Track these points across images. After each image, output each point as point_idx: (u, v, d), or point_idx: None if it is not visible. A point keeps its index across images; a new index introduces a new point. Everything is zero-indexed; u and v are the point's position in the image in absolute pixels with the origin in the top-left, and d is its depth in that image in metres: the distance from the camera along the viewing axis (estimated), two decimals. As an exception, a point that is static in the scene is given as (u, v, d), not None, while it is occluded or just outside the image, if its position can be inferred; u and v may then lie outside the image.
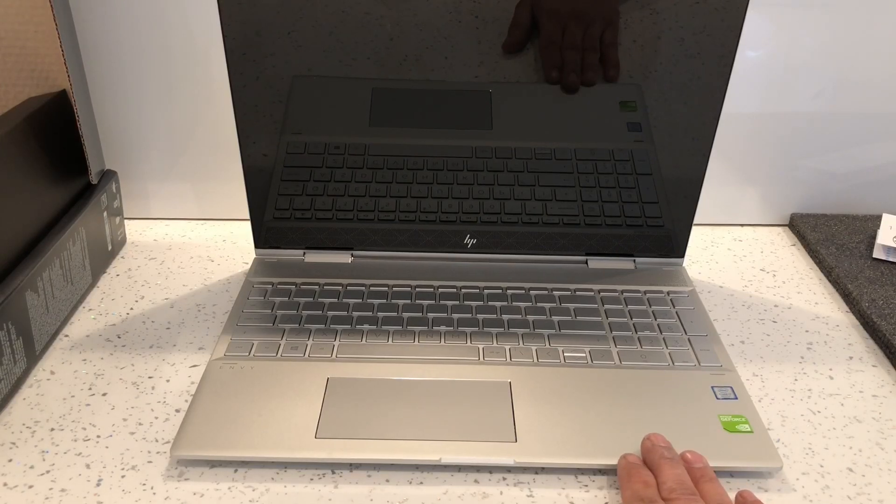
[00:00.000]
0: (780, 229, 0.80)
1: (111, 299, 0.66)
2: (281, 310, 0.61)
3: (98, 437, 0.51)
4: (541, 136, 0.63)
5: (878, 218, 0.75)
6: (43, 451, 0.50)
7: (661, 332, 0.60)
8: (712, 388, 0.54)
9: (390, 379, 0.54)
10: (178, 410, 0.54)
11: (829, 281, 0.70)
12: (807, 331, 0.64)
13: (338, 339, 0.58)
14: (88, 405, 0.54)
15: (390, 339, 0.58)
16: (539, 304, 0.62)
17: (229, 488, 0.47)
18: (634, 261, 0.68)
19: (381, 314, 0.61)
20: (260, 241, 0.67)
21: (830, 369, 0.59)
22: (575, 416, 0.51)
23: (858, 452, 0.51)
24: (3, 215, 0.55)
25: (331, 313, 0.61)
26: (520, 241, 0.67)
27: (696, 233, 0.77)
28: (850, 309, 0.66)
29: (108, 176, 0.71)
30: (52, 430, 0.52)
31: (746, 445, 0.50)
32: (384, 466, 0.49)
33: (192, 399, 0.52)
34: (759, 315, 0.66)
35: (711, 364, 0.57)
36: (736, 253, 0.75)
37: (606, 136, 0.62)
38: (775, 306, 0.67)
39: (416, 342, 0.58)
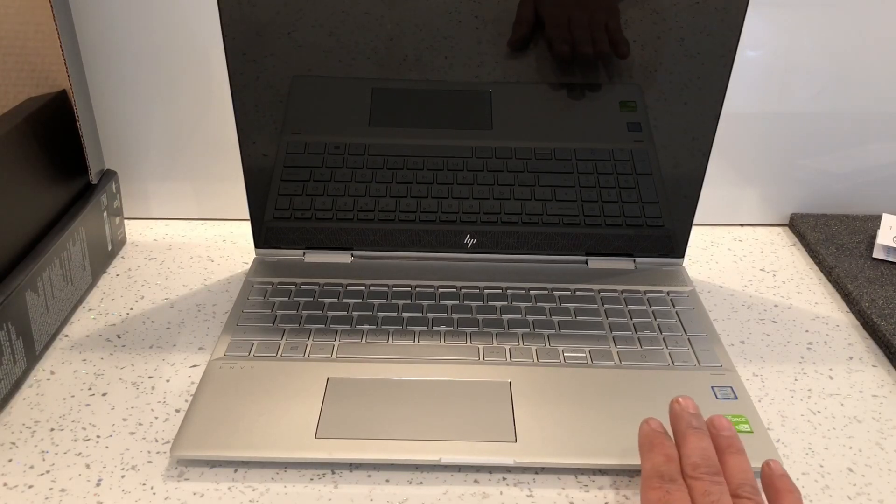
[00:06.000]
0: (780, 229, 0.80)
1: (111, 299, 0.66)
2: (281, 310, 0.61)
3: (98, 437, 0.51)
4: (541, 136, 0.63)
5: (878, 218, 0.75)
6: (43, 451, 0.50)
7: (661, 332, 0.60)
8: (712, 388, 0.54)
9: (390, 379, 0.54)
10: (178, 410, 0.54)
11: (829, 281, 0.70)
12: (807, 331, 0.64)
13: (338, 339, 0.58)
14: (88, 405, 0.54)
15: (390, 339, 0.58)
16: (539, 304, 0.62)
17: (229, 488, 0.47)
18: (634, 261, 0.68)
19: (381, 314, 0.61)
20: (260, 241, 0.67)
21: (830, 369, 0.59)
22: (575, 416, 0.51)
23: (858, 452, 0.51)
24: (3, 215, 0.55)
25: (331, 313, 0.61)
26: (520, 241, 0.67)
27: (696, 233, 0.77)
28: (850, 309, 0.66)
29: (108, 176, 0.71)
30: (52, 430, 0.52)
31: (746, 445, 0.49)
32: (384, 466, 0.49)
33: (192, 399, 0.52)
34: (759, 315, 0.66)
35: (711, 364, 0.57)
36: (736, 253, 0.75)
37: (606, 136, 0.62)
38: (775, 306, 0.67)
39: (416, 342, 0.58)
